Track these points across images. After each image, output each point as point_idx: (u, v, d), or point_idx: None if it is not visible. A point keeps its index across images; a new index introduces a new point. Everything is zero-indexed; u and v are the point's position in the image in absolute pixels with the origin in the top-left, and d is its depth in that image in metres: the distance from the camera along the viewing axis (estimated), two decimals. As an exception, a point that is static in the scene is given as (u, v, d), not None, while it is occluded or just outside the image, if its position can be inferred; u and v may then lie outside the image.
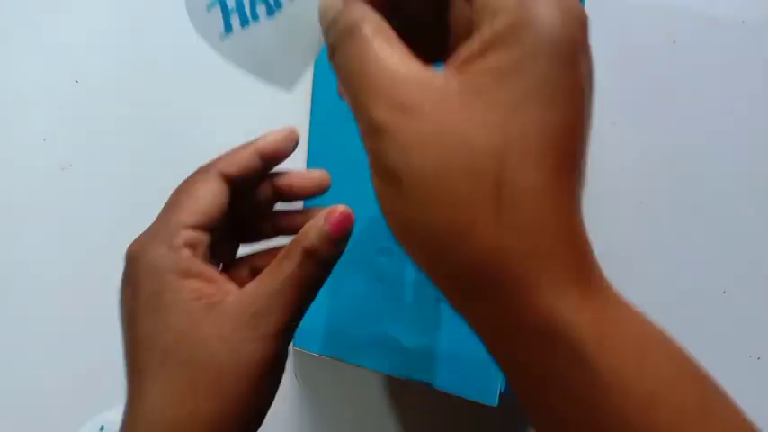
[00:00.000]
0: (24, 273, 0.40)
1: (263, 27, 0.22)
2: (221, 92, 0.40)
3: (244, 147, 0.27)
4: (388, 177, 0.18)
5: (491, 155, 0.17)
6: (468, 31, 0.19)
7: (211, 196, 0.26)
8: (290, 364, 0.39)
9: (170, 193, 0.41)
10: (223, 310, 0.23)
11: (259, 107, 0.40)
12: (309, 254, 0.24)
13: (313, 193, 0.29)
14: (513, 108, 0.17)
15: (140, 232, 0.41)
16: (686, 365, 0.18)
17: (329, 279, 0.27)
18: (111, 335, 0.40)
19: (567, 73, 0.17)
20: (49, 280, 0.40)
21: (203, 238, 0.26)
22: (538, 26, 0.17)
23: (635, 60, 0.40)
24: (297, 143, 0.28)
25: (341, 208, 0.25)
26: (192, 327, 0.23)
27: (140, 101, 0.40)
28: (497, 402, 0.35)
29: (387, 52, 0.19)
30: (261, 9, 0.22)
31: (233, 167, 0.27)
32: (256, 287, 0.24)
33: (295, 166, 0.39)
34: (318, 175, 0.29)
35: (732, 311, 0.41)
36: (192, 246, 0.25)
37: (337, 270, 0.28)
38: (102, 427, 0.39)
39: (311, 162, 0.39)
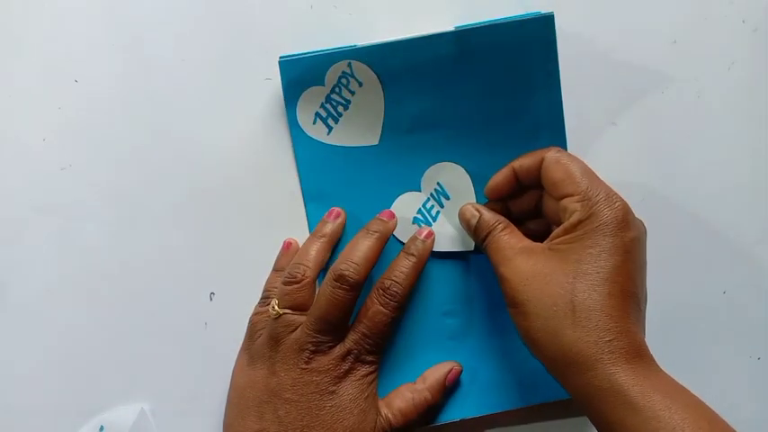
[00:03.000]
0: (24, 273, 0.40)
1: (343, 120, 0.39)
2: (221, 93, 0.40)
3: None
4: (514, 306, 0.32)
5: (565, 287, 0.30)
6: (556, 219, 0.34)
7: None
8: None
9: (169, 193, 0.41)
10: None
11: (259, 109, 0.40)
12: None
13: None
14: (577, 259, 0.31)
15: (140, 233, 0.41)
16: (702, 409, 0.28)
17: (405, 352, 0.39)
18: (111, 335, 0.40)
19: (613, 240, 0.31)
20: (49, 280, 0.40)
21: None
22: (597, 219, 0.31)
23: (635, 60, 0.40)
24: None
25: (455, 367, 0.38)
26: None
27: (140, 101, 0.40)
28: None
29: (512, 239, 0.35)
30: (341, 109, 0.39)
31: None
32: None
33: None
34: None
35: (732, 311, 0.41)
36: None
37: (410, 340, 0.39)
38: (101, 428, 0.39)
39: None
